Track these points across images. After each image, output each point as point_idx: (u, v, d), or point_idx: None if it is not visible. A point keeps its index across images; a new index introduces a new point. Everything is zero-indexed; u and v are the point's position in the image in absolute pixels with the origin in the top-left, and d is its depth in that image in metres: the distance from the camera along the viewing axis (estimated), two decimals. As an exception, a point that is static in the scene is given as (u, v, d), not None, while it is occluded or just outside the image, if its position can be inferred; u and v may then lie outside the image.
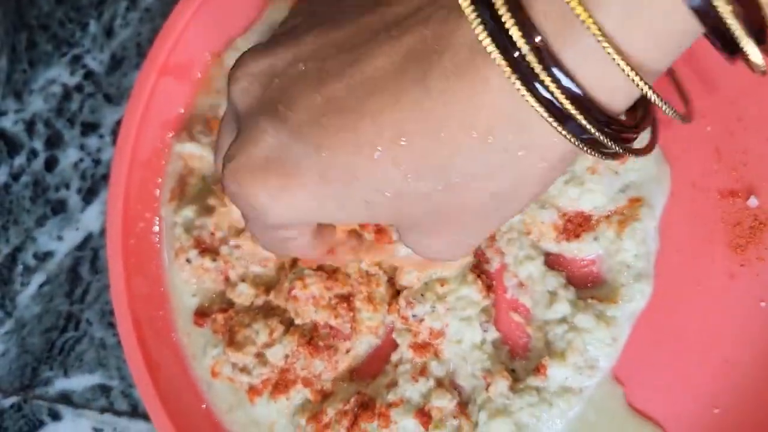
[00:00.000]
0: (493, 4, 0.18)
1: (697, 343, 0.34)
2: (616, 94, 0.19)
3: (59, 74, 0.50)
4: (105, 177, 0.48)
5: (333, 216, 0.24)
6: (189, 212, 0.42)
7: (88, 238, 0.48)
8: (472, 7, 0.18)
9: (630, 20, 0.17)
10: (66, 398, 0.48)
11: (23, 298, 0.49)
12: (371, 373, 0.39)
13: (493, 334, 0.37)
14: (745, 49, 0.17)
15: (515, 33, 0.18)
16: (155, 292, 0.43)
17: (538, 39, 0.18)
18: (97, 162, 0.49)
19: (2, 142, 0.50)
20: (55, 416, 0.48)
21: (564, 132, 0.19)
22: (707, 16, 0.17)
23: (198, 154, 0.42)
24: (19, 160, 0.50)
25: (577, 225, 0.36)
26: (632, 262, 0.35)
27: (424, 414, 0.36)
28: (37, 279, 0.49)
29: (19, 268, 0.49)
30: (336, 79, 0.21)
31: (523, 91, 0.19)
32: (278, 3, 0.43)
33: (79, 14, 0.50)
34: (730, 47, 0.17)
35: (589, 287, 0.36)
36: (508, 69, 0.18)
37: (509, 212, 0.23)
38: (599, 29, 0.17)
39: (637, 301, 0.35)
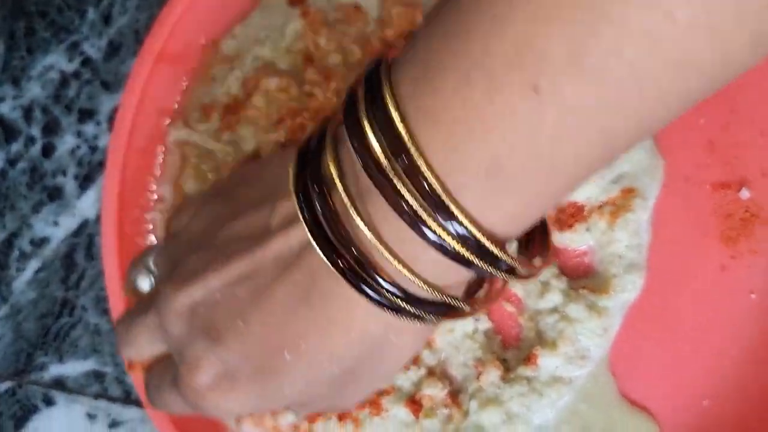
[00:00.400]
0: (329, 238, 0.24)
1: (689, 334, 0.35)
2: (448, 286, 0.25)
3: (57, 61, 0.50)
4: (102, 164, 0.48)
5: (268, 405, 0.30)
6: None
7: (84, 224, 0.48)
8: (317, 247, 0.24)
9: (420, 261, 0.23)
10: (60, 384, 0.48)
11: (19, 284, 0.49)
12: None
13: (485, 324, 0.37)
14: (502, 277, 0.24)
15: (343, 251, 0.24)
16: (150, 279, 0.43)
17: (356, 253, 0.23)
18: (93, 149, 0.49)
19: (0, 129, 0.50)
20: (49, 401, 0.48)
21: (398, 316, 0.24)
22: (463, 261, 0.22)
23: (193, 141, 0.42)
24: (16, 146, 0.50)
25: (569, 215, 0.36)
26: (624, 253, 0.35)
27: (415, 402, 0.36)
28: (33, 265, 0.49)
29: (15, 253, 0.49)
30: (246, 304, 0.27)
31: (358, 294, 0.24)
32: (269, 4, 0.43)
33: (77, 1, 0.50)
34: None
35: (581, 278, 0.37)
36: (347, 283, 0.24)
37: (394, 371, 0.30)
38: (408, 269, 0.23)
39: (628, 291, 0.35)
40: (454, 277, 0.24)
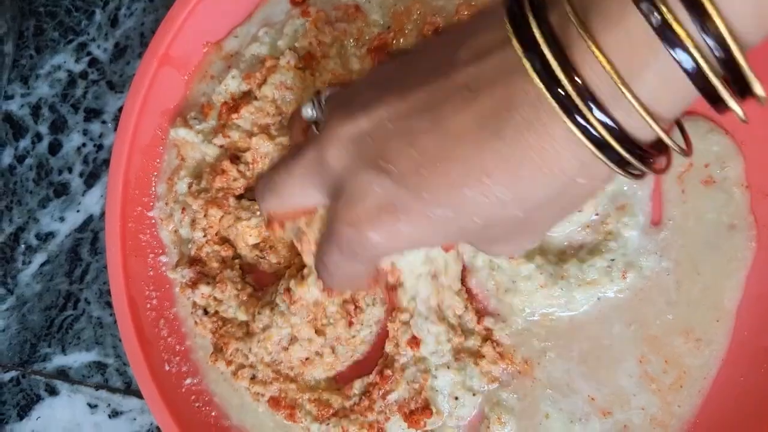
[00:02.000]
0: (548, 63, 0.22)
1: None
2: (641, 131, 0.23)
3: (65, 61, 0.51)
4: (106, 162, 0.50)
5: (431, 242, 0.29)
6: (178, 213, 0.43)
7: (88, 220, 0.50)
8: (534, 73, 0.22)
9: (656, 89, 0.21)
10: (63, 374, 0.49)
11: (24, 277, 0.51)
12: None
13: None
14: (730, 106, 0.21)
15: (563, 79, 0.22)
16: (151, 274, 0.45)
17: (582, 84, 0.22)
18: (99, 147, 0.50)
19: (8, 125, 0.52)
20: (52, 391, 0.49)
21: (604, 158, 0.23)
22: (699, 81, 0.20)
23: (191, 141, 0.43)
24: (24, 143, 0.52)
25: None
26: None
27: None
28: (39, 258, 0.51)
29: (22, 247, 0.51)
30: (425, 135, 0.25)
31: (573, 128, 0.22)
32: (272, 3, 0.45)
33: (85, 3, 0.51)
34: (718, 105, 0.21)
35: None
36: (563, 114, 0.22)
37: (566, 217, 0.29)
38: (633, 96, 0.21)
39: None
40: (669, 110, 0.22)
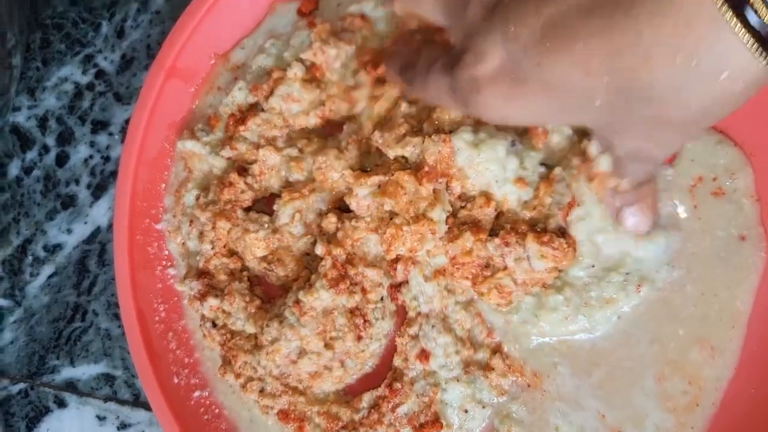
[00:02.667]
0: None
1: None
2: None
3: (72, 73, 0.51)
4: (114, 173, 0.50)
5: (549, 119, 0.28)
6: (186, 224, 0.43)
7: (96, 232, 0.50)
8: None
9: None
10: (71, 386, 0.49)
11: (32, 289, 0.51)
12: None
13: None
14: None
15: None
16: (159, 286, 0.45)
17: None
18: (106, 159, 0.50)
19: (15, 137, 0.52)
20: (61, 403, 0.49)
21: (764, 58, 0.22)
22: None
23: (198, 153, 0.43)
24: (31, 154, 0.52)
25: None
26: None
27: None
28: (47, 270, 0.51)
29: (29, 259, 0.51)
30: (553, 4, 0.25)
31: (734, 18, 0.21)
32: (279, 9, 0.45)
33: (91, 15, 0.51)
34: None
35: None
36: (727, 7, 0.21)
37: (707, 123, 0.26)
38: None
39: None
40: None
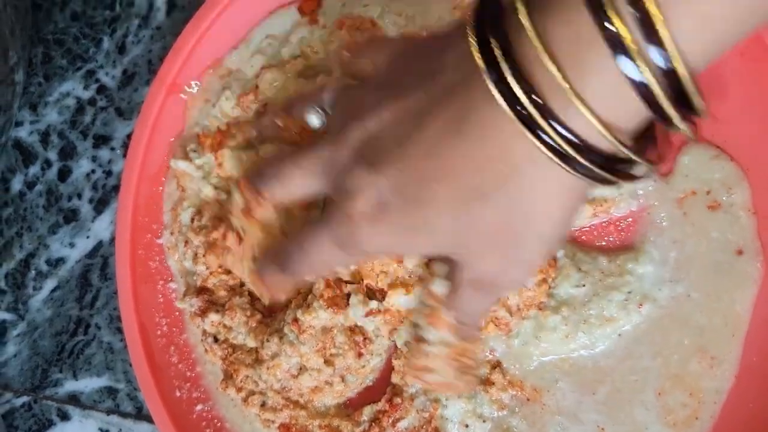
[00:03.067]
0: (505, 77, 0.23)
1: None
2: (601, 140, 0.24)
3: (73, 88, 0.52)
4: (116, 188, 0.50)
5: (415, 248, 0.30)
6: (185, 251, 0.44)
7: (98, 246, 0.50)
8: (492, 84, 0.24)
9: (607, 99, 0.23)
10: (74, 399, 0.50)
11: (35, 302, 0.51)
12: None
13: None
14: (677, 125, 0.22)
15: (522, 96, 0.23)
16: (161, 301, 0.45)
17: (539, 100, 0.23)
18: (108, 173, 0.51)
19: (18, 152, 0.52)
20: (64, 416, 0.50)
21: (567, 168, 0.24)
22: (650, 102, 0.22)
23: (190, 173, 0.43)
24: (34, 169, 0.52)
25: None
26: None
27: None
28: (49, 284, 0.51)
29: (32, 273, 0.51)
30: (411, 138, 0.27)
31: (532, 138, 0.24)
32: (280, 11, 0.45)
33: (93, 30, 0.52)
34: (666, 123, 0.22)
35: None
36: (519, 123, 0.24)
37: (547, 231, 0.28)
38: (586, 107, 0.22)
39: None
40: (624, 122, 0.23)
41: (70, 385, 0.50)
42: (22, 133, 0.53)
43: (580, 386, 0.37)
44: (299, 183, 0.33)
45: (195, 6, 0.46)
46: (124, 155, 0.49)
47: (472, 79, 0.25)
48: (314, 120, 0.34)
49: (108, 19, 0.51)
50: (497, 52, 0.24)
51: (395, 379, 0.39)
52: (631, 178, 0.25)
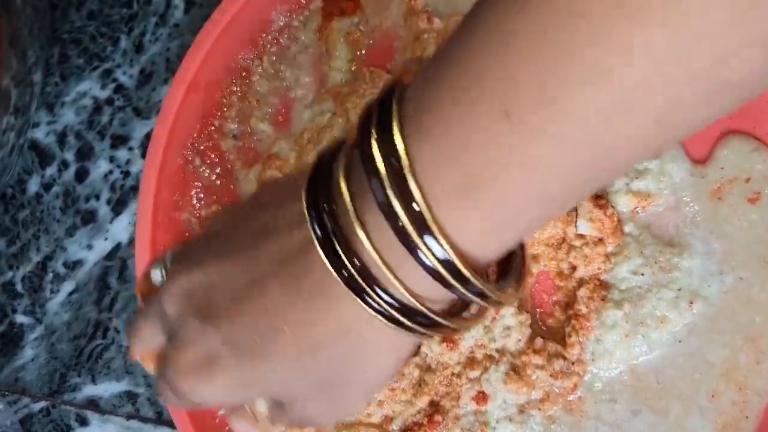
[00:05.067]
0: (335, 248, 0.25)
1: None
2: (435, 302, 0.25)
3: (90, 87, 0.51)
4: (134, 189, 0.49)
5: (248, 394, 0.31)
6: None
7: (116, 248, 0.50)
8: (322, 252, 0.25)
9: (419, 276, 0.24)
10: (93, 404, 0.49)
11: (53, 306, 0.50)
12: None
13: None
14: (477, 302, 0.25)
15: (347, 263, 0.25)
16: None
17: (359, 265, 0.25)
18: (126, 174, 0.50)
19: (34, 153, 0.52)
20: (83, 421, 0.49)
21: (394, 327, 0.25)
22: (443, 282, 0.24)
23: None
24: (51, 170, 0.51)
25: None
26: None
27: None
28: (67, 287, 0.50)
29: (50, 276, 0.51)
30: (243, 292, 0.28)
31: (360, 302, 0.25)
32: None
33: (110, 29, 0.51)
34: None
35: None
36: (346, 288, 0.25)
37: (373, 380, 0.30)
38: (399, 281, 0.24)
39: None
40: (441, 295, 0.26)
41: (88, 390, 0.49)
42: (39, 133, 0.52)
43: (640, 400, 0.37)
44: (144, 336, 0.33)
45: (212, 3, 0.46)
46: (142, 155, 0.49)
47: (308, 243, 0.26)
48: (156, 276, 0.35)
49: (125, 18, 0.51)
50: (326, 219, 0.25)
51: (445, 402, 0.38)
52: (457, 331, 0.27)
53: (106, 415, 0.48)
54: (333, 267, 0.25)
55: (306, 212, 0.26)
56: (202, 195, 0.45)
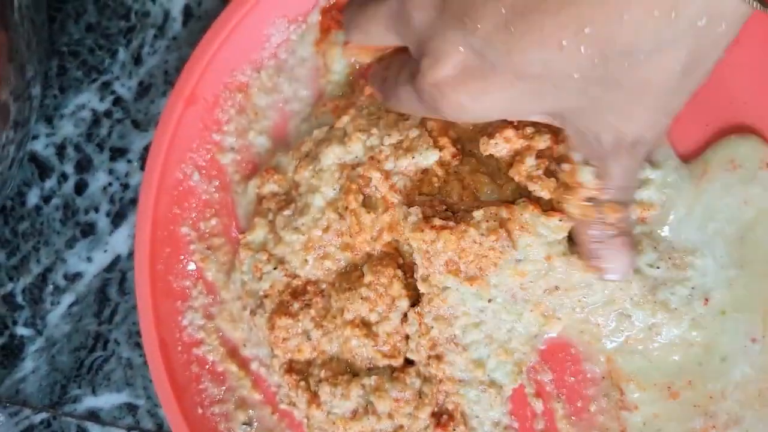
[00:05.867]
0: None
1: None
2: None
3: (89, 100, 0.51)
4: (133, 201, 0.50)
5: (524, 108, 0.27)
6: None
7: (116, 260, 0.50)
8: None
9: None
10: (94, 416, 0.49)
11: (53, 318, 0.51)
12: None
13: None
14: None
15: None
16: (181, 315, 0.44)
17: None
18: (125, 186, 0.50)
19: (33, 166, 0.52)
20: (84, 433, 0.49)
21: None
22: None
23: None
24: (50, 183, 0.52)
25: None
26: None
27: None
28: (67, 299, 0.50)
29: (50, 288, 0.51)
30: None
31: None
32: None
33: (108, 42, 0.51)
34: None
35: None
36: None
37: (694, 81, 0.25)
38: None
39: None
40: None
41: (89, 402, 0.49)
42: (38, 146, 0.52)
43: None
44: (376, 33, 0.30)
45: (211, 16, 0.46)
46: (141, 168, 0.49)
47: None
48: None
49: (123, 30, 0.51)
50: None
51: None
52: None
53: (107, 426, 0.49)
54: None
55: None
56: (200, 208, 0.46)
